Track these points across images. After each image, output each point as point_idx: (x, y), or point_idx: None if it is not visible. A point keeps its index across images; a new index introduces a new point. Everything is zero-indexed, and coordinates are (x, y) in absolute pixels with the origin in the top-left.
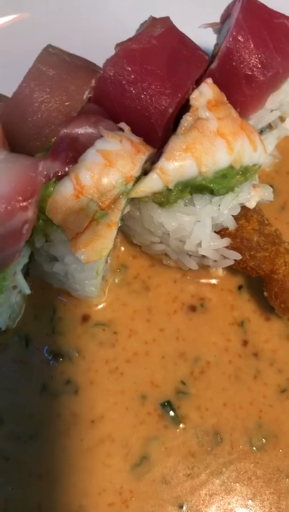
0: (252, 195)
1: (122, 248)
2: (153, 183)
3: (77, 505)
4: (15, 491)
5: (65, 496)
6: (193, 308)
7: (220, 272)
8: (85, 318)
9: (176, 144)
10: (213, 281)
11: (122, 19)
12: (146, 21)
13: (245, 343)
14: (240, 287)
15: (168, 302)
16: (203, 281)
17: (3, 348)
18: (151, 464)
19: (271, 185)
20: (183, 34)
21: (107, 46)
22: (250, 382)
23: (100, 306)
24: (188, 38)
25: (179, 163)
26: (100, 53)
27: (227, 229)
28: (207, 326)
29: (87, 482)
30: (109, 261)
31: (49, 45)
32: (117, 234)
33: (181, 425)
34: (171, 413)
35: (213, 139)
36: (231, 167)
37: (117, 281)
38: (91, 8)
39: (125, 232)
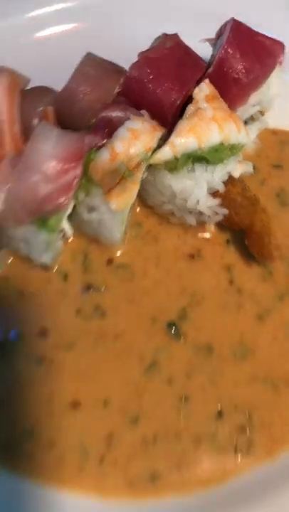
0: (237, 168)
1: (138, 209)
2: (165, 153)
3: (105, 394)
4: (56, 386)
5: (93, 387)
6: (192, 256)
7: (212, 228)
8: (110, 261)
9: (182, 126)
10: (207, 235)
11: (139, 35)
12: (159, 37)
13: (231, 282)
14: (228, 241)
15: (173, 252)
16: (199, 235)
17: (48, 281)
18: (160, 367)
19: (253, 165)
20: (187, 46)
21: (130, 56)
22: (234, 311)
23: (121, 253)
24: (191, 50)
25: (184, 140)
26: (125, 60)
27: (218, 191)
28: (202, 269)
29: (112, 379)
30: (129, 218)
31: (89, 53)
32: (136, 198)
33: (182, 340)
34: (174, 331)
35: (209, 123)
36: (222, 144)
37: (133, 234)
38: (118, 27)
39: (142, 196)
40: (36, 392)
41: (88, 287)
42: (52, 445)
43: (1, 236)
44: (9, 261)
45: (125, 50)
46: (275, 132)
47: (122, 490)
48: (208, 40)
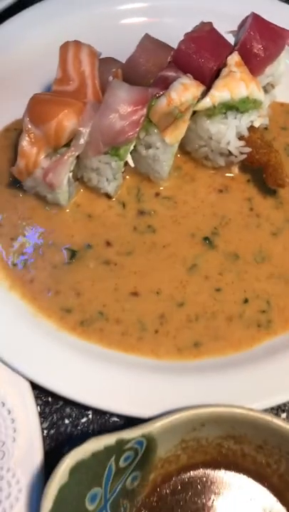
0: (257, 119)
1: (179, 155)
2: (206, 102)
3: (157, 286)
4: (120, 281)
5: (148, 281)
6: (221, 191)
7: (236, 170)
8: (157, 194)
9: (219, 83)
10: (233, 175)
11: (175, 31)
12: (199, 24)
13: (251, 209)
14: (248, 180)
15: (205, 187)
16: (227, 175)
17: (110, 207)
18: (199, 268)
19: (266, 125)
20: (218, 31)
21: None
22: (254, 229)
23: (165, 188)
24: (221, 34)
25: (220, 92)
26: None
27: (243, 136)
28: (229, 200)
29: (162, 275)
30: (174, 160)
31: (146, 33)
32: (178, 148)
33: (215, 249)
34: (209, 243)
35: (238, 82)
36: (247, 97)
37: (175, 175)
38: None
39: (182, 143)
40: (105, 284)
41: (142, 212)
42: (118, 322)
43: (78, 167)
44: (80, 191)
45: (167, 39)
46: (282, 104)
47: (173, 354)
48: (232, 31)
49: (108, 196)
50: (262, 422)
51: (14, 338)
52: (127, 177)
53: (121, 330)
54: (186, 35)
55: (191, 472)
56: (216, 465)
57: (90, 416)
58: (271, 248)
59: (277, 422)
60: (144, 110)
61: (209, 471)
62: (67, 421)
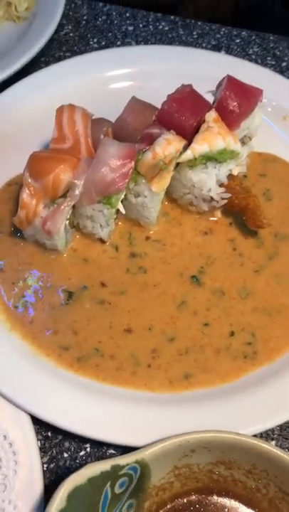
0: (235, 168)
1: (166, 202)
2: (188, 155)
3: (149, 323)
4: (114, 319)
5: (142, 318)
6: (205, 233)
7: (219, 214)
8: (148, 238)
9: (199, 137)
10: (216, 219)
11: (159, 93)
12: (180, 87)
13: (234, 249)
14: (230, 223)
15: (191, 230)
16: (210, 219)
17: (104, 251)
18: (188, 305)
19: (245, 173)
20: (198, 92)
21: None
22: (238, 268)
23: (155, 232)
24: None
25: (200, 146)
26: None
27: (223, 183)
28: (213, 242)
29: (153, 313)
30: (161, 207)
31: (133, 96)
32: (164, 196)
33: (202, 286)
34: (196, 281)
35: (216, 136)
36: (225, 149)
37: (163, 220)
38: (150, 88)
39: (168, 192)
40: (100, 323)
41: (133, 255)
42: (113, 358)
43: (74, 215)
44: (77, 237)
45: (151, 100)
46: (259, 154)
47: (165, 386)
48: (211, 91)
49: (102, 241)
50: (249, 446)
51: (16, 376)
52: (119, 223)
53: (116, 365)
54: (169, 96)
55: (185, 499)
56: (209, 491)
57: (88, 449)
58: (254, 284)
59: (264, 445)
60: (132, 163)
61: (202, 498)
62: (66, 455)
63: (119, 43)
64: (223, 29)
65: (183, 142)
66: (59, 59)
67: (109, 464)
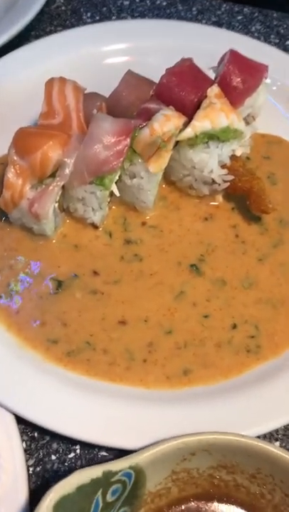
0: (238, 148)
1: (163, 185)
2: (188, 132)
3: (145, 315)
4: (107, 310)
5: (136, 310)
6: (206, 219)
7: (220, 199)
8: (143, 223)
9: (200, 113)
10: (217, 203)
11: (163, 63)
12: (180, 60)
13: (237, 236)
14: (232, 208)
15: (191, 215)
16: (211, 204)
17: (96, 237)
18: (186, 295)
19: (248, 155)
20: (198, 66)
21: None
22: (241, 256)
23: (151, 217)
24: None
25: (201, 123)
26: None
27: (225, 164)
28: (214, 228)
29: (149, 304)
30: (158, 189)
31: (129, 69)
32: (162, 178)
33: (202, 276)
34: (196, 270)
35: (218, 112)
36: (228, 127)
37: (160, 204)
38: (147, 63)
39: (166, 173)
40: (92, 314)
41: (128, 241)
42: (105, 352)
43: (64, 197)
44: (67, 221)
45: (149, 76)
46: (263, 135)
47: (162, 382)
48: (212, 67)
49: (94, 226)
50: (254, 449)
51: None
52: (113, 207)
53: (108, 360)
54: (168, 69)
55: (183, 506)
56: (209, 497)
57: (78, 451)
58: (258, 274)
59: (270, 447)
60: (128, 140)
61: (202, 505)
62: (54, 457)
63: (114, 17)
64: (224, 5)
65: (183, 119)
66: (50, 33)
67: (100, 470)
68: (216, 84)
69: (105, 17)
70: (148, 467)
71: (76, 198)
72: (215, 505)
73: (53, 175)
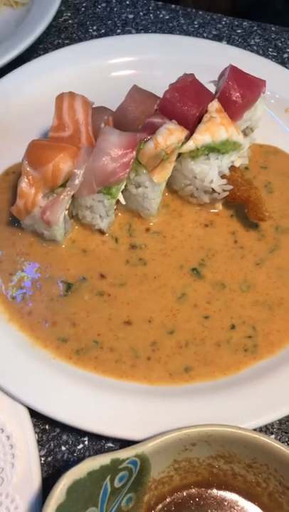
0: (237, 159)
1: (166, 194)
2: (190, 145)
3: (149, 315)
4: (113, 311)
5: (141, 311)
6: (206, 225)
7: (220, 206)
8: (147, 229)
9: (201, 127)
10: (217, 211)
11: (161, 82)
12: (182, 76)
13: (235, 242)
14: (231, 215)
15: (192, 222)
16: (211, 211)
17: (103, 242)
18: (188, 297)
19: (246, 165)
20: (200, 82)
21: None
22: (239, 260)
23: (155, 224)
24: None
25: (202, 137)
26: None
27: (225, 174)
28: (214, 234)
29: (153, 305)
30: (162, 198)
31: (135, 84)
32: (165, 187)
33: (202, 279)
34: (197, 274)
35: (219, 126)
36: (227, 140)
37: (163, 212)
38: (151, 76)
39: (169, 182)
40: (100, 315)
41: (133, 246)
42: (112, 350)
43: (74, 205)
44: (76, 227)
45: (153, 89)
46: (261, 146)
47: (165, 379)
48: (213, 81)
49: (101, 232)
50: (250, 440)
51: (13, 368)
52: (119, 214)
53: (115, 357)
54: (171, 85)
55: (184, 493)
56: (208, 485)
57: (86, 442)
58: (255, 277)
59: (265, 439)
60: (134, 153)
61: (201, 491)
62: (63, 448)
63: (119, 31)
64: (225, 19)
65: (185, 132)
66: (58, 46)
67: (109, 458)
68: (216, 100)
69: (110, 30)
70: (152, 456)
71: (85, 206)
72: (214, 492)
73: (63, 185)
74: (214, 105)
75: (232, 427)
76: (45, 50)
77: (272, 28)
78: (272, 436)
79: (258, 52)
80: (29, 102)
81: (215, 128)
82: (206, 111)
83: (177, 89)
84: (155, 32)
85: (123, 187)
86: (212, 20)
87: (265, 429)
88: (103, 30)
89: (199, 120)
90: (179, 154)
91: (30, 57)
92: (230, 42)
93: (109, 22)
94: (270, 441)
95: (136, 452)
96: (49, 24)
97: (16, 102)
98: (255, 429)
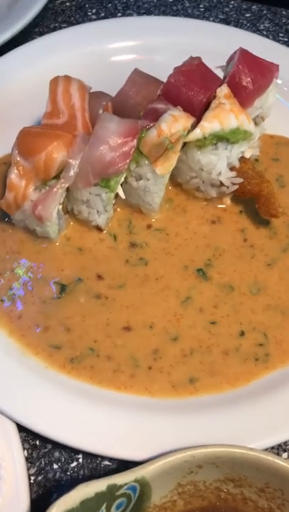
0: (248, 150)
1: (170, 187)
2: (197, 134)
3: (150, 320)
4: (111, 315)
5: (141, 315)
6: (213, 222)
7: (228, 201)
8: (149, 226)
9: (209, 114)
10: (224, 206)
11: (164, 67)
12: (188, 59)
13: (245, 240)
14: (240, 211)
15: (197, 218)
16: (218, 206)
17: (101, 240)
18: (193, 301)
19: (257, 157)
20: (206, 65)
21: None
22: (249, 260)
23: (157, 220)
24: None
25: (210, 124)
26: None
27: (234, 166)
28: (222, 231)
29: (155, 309)
30: (164, 191)
31: (136, 68)
32: (169, 180)
33: (209, 281)
34: (202, 275)
35: (228, 113)
36: (238, 128)
37: (166, 207)
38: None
39: (173, 175)
40: (96, 319)
41: (133, 245)
42: (110, 359)
43: (69, 199)
44: (71, 224)
45: (156, 74)
46: (272, 136)
47: (167, 391)
48: (221, 67)
49: (99, 229)
50: (263, 462)
51: (0, 377)
52: (118, 209)
53: (113, 367)
54: (176, 69)
55: None
56: (215, 510)
57: (81, 460)
58: (266, 279)
59: (279, 461)
60: (135, 142)
61: None
62: (55, 466)
63: (119, 14)
64: (233, 2)
65: (191, 119)
66: (54, 30)
67: (104, 484)
68: (225, 84)
69: (110, 13)
70: (154, 480)
71: (81, 200)
72: None
73: (57, 176)
74: (223, 90)
75: (242, 447)
76: (41, 34)
77: (283, 12)
78: (285, 453)
79: (267, 37)
80: (22, 88)
81: (224, 115)
82: (214, 96)
83: (183, 73)
84: (158, 15)
85: (123, 179)
86: (219, 3)
87: (278, 447)
88: (103, 14)
89: (206, 107)
90: (184, 144)
91: (25, 42)
92: (239, 26)
93: (110, 5)
94: (285, 464)
95: (135, 477)
96: (45, 6)
97: (9, 88)
98: (267, 449)
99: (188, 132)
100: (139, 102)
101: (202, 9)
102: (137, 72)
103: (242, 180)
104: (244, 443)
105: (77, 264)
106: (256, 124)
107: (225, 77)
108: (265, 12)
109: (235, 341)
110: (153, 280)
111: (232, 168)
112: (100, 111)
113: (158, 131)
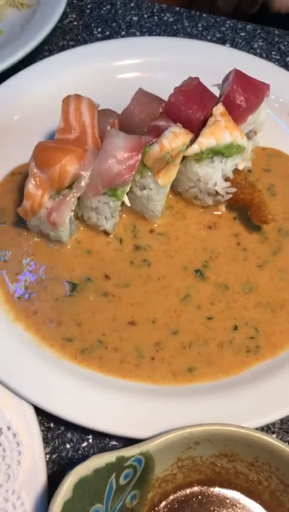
0: (241, 162)
1: (170, 196)
2: (195, 148)
3: (153, 316)
4: (118, 311)
5: (145, 311)
6: (210, 227)
7: (223, 208)
8: (152, 231)
9: (206, 131)
10: (220, 213)
11: (166, 85)
12: (187, 79)
13: (238, 244)
14: (234, 218)
15: (196, 224)
16: (214, 213)
17: (108, 243)
18: (191, 298)
19: (250, 168)
20: (205, 85)
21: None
22: (242, 262)
23: (159, 225)
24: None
25: (207, 140)
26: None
27: (229, 177)
28: (217, 236)
29: (157, 306)
30: (166, 200)
31: (140, 88)
32: (169, 189)
33: (206, 281)
34: (200, 275)
35: (223, 130)
36: (232, 143)
37: (167, 213)
38: (156, 79)
39: (173, 185)
40: (104, 315)
41: (137, 247)
42: (116, 350)
43: (79, 207)
44: (81, 228)
45: (158, 92)
46: (264, 149)
47: (168, 379)
48: (217, 85)
49: (106, 233)
50: (253, 439)
51: (19, 366)
52: (124, 215)
53: (119, 357)
54: (176, 88)
55: (187, 490)
56: (211, 483)
57: (90, 440)
58: (258, 279)
59: (267, 438)
60: (139, 156)
61: (204, 489)
62: (68, 445)
63: (123, 33)
64: (229, 22)
65: (190, 135)
66: (62, 48)
67: (114, 456)
68: (220, 103)
69: (115, 32)
70: (156, 454)
71: (90, 208)
72: (216, 490)
73: (70, 186)
74: (219, 109)
75: (235, 426)
76: (50, 52)
77: (276, 32)
78: (274, 435)
79: (261, 56)
80: (35, 104)
81: (219, 131)
82: (211, 114)
83: (182, 93)
84: (159, 34)
85: (128, 189)
86: (216, 23)
87: (267, 429)
88: (108, 32)
89: (204, 123)
90: (184, 157)
91: (36, 58)
92: (234, 45)
93: (114, 24)
94: (272, 440)
95: (141, 450)
96: (54, 26)
97: (22, 103)
98: (257, 429)
99: (187, 147)
100: (143, 119)
101: (200, 28)
102: (141, 92)
103: (235, 189)
104: (237, 423)
105: (86, 265)
106: (249, 138)
107: (220, 96)
108: (259, 31)
109: (229, 335)
110: (155, 280)
111: (226, 179)
112: (108, 127)
113: (160, 147)
